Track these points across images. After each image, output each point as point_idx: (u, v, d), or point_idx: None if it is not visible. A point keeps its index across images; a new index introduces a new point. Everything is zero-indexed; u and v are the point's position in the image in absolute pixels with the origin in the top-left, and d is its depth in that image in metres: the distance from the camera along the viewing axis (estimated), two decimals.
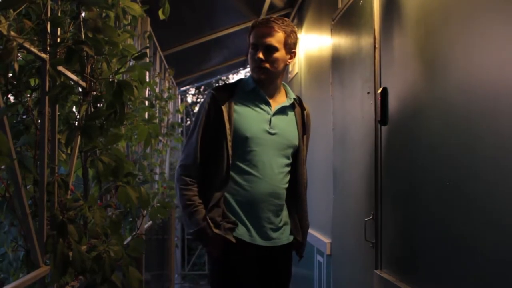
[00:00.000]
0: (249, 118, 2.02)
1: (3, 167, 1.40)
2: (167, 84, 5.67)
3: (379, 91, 2.18)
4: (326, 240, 3.36)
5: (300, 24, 4.87)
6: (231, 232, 1.92)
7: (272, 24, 2.02)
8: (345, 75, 2.90)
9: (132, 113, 2.32)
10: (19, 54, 1.48)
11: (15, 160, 1.33)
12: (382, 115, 2.17)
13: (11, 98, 1.57)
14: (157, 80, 4.93)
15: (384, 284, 2.10)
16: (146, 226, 3.99)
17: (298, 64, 4.80)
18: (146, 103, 3.41)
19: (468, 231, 1.48)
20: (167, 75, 5.62)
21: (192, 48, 5.59)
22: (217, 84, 2.24)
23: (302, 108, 2.17)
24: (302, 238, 2.12)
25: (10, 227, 1.56)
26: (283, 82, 2.17)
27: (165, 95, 5.24)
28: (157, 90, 4.81)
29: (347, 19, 2.87)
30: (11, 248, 1.58)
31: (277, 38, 2.02)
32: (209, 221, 1.91)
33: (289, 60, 2.09)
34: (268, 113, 2.05)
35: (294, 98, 2.14)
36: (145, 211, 2.22)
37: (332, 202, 3.13)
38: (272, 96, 2.09)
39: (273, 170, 2.01)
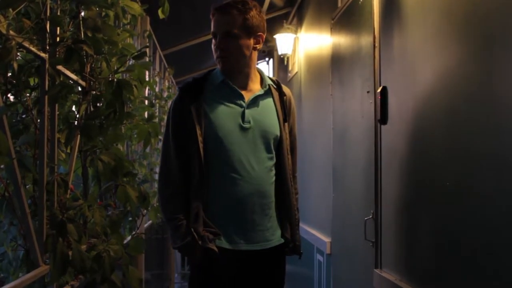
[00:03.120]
0: (221, 115, 1.86)
1: (2, 166, 1.40)
2: (166, 83, 5.67)
3: (379, 90, 2.18)
4: (326, 239, 3.37)
5: (299, 23, 4.87)
6: (214, 242, 1.79)
7: (229, 9, 1.85)
8: (345, 74, 2.90)
9: (132, 112, 2.32)
10: (18, 53, 1.48)
11: (15, 159, 1.33)
12: (382, 114, 2.17)
13: (11, 97, 1.57)
14: (157, 79, 4.93)
15: (384, 283, 2.10)
16: (146, 225, 3.99)
17: (298, 64, 4.79)
18: (146, 102, 3.41)
19: (468, 230, 1.48)
20: (166, 74, 5.62)
21: (192, 47, 5.59)
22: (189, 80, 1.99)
23: (282, 94, 1.98)
24: (291, 235, 1.93)
25: (10, 227, 1.56)
26: (258, 68, 2.00)
27: (165, 94, 5.24)
28: (157, 89, 4.81)
29: (346, 18, 2.87)
30: (10, 247, 1.58)
31: (236, 23, 1.84)
32: (195, 235, 1.77)
33: (256, 45, 1.90)
34: (241, 106, 1.88)
35: (269, 84, 1.95)
36: (145, 210, 2.22)
37: (332, 201, 3.13)
38: (244, 86, 1.92)
39: (253, 168, 1.85)
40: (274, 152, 1.92)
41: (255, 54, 1.93)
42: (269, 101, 1.94)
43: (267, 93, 1.95)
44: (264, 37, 1.92)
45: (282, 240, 1.92)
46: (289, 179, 1.94)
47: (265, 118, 1.91)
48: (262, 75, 1.98)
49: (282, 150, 1.93)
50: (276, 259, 1.94)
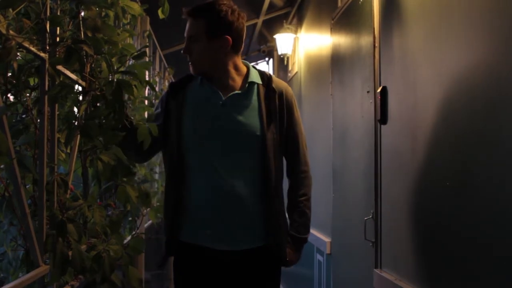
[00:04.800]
0: (196, 114, 1.85)
1: (2, 166, 1.40)
2: (166, 83, 5.67)
3: (379, 90, 2.18)
4: (326, 239, 3.37)
5: (299, 23, 4.87)
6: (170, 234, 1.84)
7: (192, 13, 1.83)
8: (345, 74, 2.90)
9: (132, 112, 2.31)
10: (18, 53, 1.47)
11: (15, 159, 1.33)
12: (382, 114, 2.17)
13: (11, 98, 1.56)
14: (157, 79, 4.93)
15: (384, 283, 2.10)
16: (146, 225, 3.99)
17: (298, 64, 4.79)
18: (146, 102, 3.41)
19: (467, 230, 1.48)
20: (166, 74, 5.61)
21: None
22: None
23: (270, 91, 1.88)
24: (274, 241, 1.84)
25: (10, 227, 1.56)
26: (247, 65, 1.93)
27: None
28: (157, 89, 4.81)
29: (346, 18, 2.87)
30: (10, 247, 1.58)
31: (197, 26, 1.82)
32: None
33: (221, 46, 1.83)
34: (217, 106, 1.84)
35: (251, 82, 1.87)
36: (145, 210, 2.21)
37: (332, 201, 3.13)
38: (224, 85, 1.87)
39: (225, 168, 1.80)
40: (255, 153, 1.83)
41: (228, 56, 1.86)
42: (250, 100, 1.86)
43: (249, 91, 1.87)
44: (231, 39, 1.83)
45: (260, 244, 1.84)
46: (271, 182, 1.83)
47: (242, 118, 1.83)
48: (248, 72, 1.91)
49: (265, 151, 1.82)
50: (261, 262, 1.85)
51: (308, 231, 1.97)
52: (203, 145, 1.83)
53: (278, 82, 1.94)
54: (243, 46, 1.92)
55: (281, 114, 1.89)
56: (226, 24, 1.82)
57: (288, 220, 1.96)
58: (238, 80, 1.90)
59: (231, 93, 1.86)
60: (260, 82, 1.89)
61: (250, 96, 1.87)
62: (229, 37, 1.83)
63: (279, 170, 1.87)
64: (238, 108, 1.85)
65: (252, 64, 2.00)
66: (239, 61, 1.92)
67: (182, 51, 1.88)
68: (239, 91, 1.87)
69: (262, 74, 1.93)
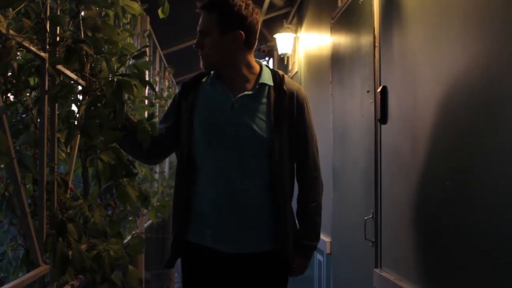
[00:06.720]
0: (206, 114, 1.81)
1: (2, 166, 1.40)
2: (166, 83, 5.67)
3: (379, 89, 2.18)
4: (326, 239, 3.36)
5: (299, 22, 4.87)
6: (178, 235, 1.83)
7: (205, 5, 1.79)
8: (345, 73, 2.90)
9: (132, 112, 2.32)
10: (18, 53, 1.47)
11: (15, 159, 1.33)
12: (382, 113, 2.17)
13: (11, 97, 1.56)
14: (157, 78, 4.93)
15: (384, 283, 2.10)
16: (145, 225, 3.99)
17: (298, 63, 4.80)
18: (146, 102, 3.41)
19: (467, 230, 1.48)
20: (166, 74, 5.61)
21: (192, 47, 5.57)
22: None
23: (282, 92, 1.81)
24: (281, 246, 1.79)
25: (10, 226, 1.56)
26: (261, 64, 1.87)
27: (165, 94, 5.24)
28: (157, 89, 4.81)
29: (346, 18, 2.87)
30: (10, 247, 1.58)
31: (209, 20, 1.78)
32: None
33: (234, 41, 1.77)
34: (226, 107, 1.79)
35: (262, 83, 1.81)
36: (145, 210, 2.21)
37: (332, 200, 3.13)
38: (236, 84, 1.81)
39: (233, 171, 1.76)
40: (262, 156, 1.78)
41: (241, 52, 1.81)
42: (259, 102, 1.80)
43: (259, 92, 1.81)
44: (243, 34, 1.77)
45: (267, 248, 1.80)
46: (279, 186, 1.79)
47: (250, 121, 1.78)
48: (261, 72, 1.85)
49: (272, 155, 1.77)
50: (268, 269, 1.82)
51: (316, 239, 1.92)
52: (212, 146, 1.79)
53: (290, 84, 1.87)
54: (256, 43, 1.85)
55: (291, 116, 1.82)
56: (239, 18, 1.77)
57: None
58: (251, 79, 1.84)
59: (241, 94, 1.80)
60: (271, 83, 1.83)
61: (260, 97, 1.81)
62: (242, 31, 1.77)
63: (288, 175, 1.83)
64: (247, 110, 1.79)
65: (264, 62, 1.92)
66: (252, 59, 1.86)
67: (194, 46, 1.84)
68: (249, 92, 1.81)
69: (274, 74, 1.87)
